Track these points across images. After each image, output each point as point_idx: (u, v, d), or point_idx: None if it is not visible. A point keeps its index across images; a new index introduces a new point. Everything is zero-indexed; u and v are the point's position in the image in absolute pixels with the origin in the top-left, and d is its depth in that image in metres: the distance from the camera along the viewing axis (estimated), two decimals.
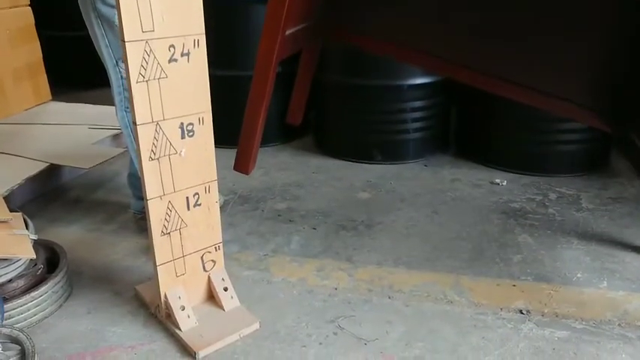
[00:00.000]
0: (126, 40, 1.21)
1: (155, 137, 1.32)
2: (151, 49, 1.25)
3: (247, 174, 1.63)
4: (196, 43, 1.31)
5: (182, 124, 1.35)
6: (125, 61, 1.24)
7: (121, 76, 1.70)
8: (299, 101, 2.09)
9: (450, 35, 1.75)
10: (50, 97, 3.11)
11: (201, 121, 1.38)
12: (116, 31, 1.61)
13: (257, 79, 1.54)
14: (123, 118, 1.76)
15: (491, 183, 2.35)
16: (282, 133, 2.83)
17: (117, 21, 1.58)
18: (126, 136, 1.80)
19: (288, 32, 1.58)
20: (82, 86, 3.62)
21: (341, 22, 1.91)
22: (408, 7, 1.79)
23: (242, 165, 1.62)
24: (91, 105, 3.00)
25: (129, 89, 1.26)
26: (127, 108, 1.74)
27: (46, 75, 3.07)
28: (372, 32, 1.87)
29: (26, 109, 2.95)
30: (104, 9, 1.59)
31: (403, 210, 2.14)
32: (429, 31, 1.78)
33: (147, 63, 1.25)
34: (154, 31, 1.24)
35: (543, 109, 1.85)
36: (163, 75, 1.29)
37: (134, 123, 1.29)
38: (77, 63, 3.61)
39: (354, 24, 1.89)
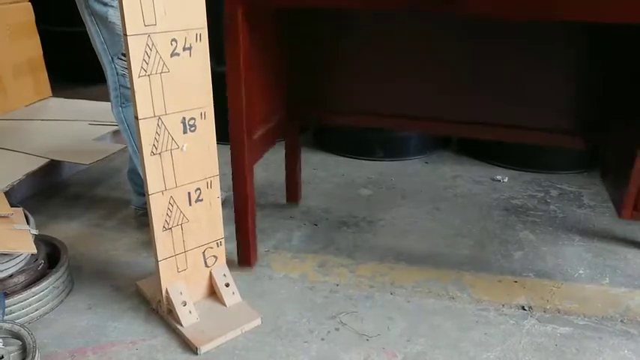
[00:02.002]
0: (128, 34, 1.20)
1: (157, 132, 1.31)
2: (153, 43, 1.24)
3: (251, 266, 1.73)
4: (198, 37, 1.31)
5: (184, 118, 1.35)
6: (127, 55, 1.23)
7: (117, 73, 1.69)
8: (293, 182, 2.15)
9: (426, 95, 1.79)
10: (50, 93, 3.10)
11: (203, 115, 1.38)
12: (110, 27, 1.60)
13: (236, 184, 1.62)
14: (119, 114, 1.76)
15: (493, 180, 2.35)
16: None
17: (110, 17, 1.59)
18: (123, 131, 1.80)
19: (255, 136, 1.63)
20: (82, 82, 3.61)
21: (313, 107, 1.95)
22: (376, 79, 1.83)
23: (245, 261, 1.73)
24: (92, 101, 2.99)
25: (130, 83, 1.25)
26: (123, 104, 1.74)
27: (46, 71, 3.06)
28: (343, 109, 1.91)
29: (26, 105, 2.94)
30: (96, 6, 1.58)
31: (404, 206, 2.13)
32: (407, 96, 1.81)
33: (149, 57, 1.25)
34: (155, 25, 1.23)
35: (533, 142, 1.85)
36: (165, 69, 1.28)
37: (136, 117, 1.29)
38: (77, 59, 3.59)
39: (325, 106, 1.93)
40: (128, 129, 1.77)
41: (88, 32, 1.66)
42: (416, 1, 1.30)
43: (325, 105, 1.92)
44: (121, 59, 1.67)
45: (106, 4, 1.57)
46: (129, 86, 1.68)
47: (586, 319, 1.49)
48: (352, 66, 1.83)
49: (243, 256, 1.73)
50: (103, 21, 1.60)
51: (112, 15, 1.59)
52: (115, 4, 1.57)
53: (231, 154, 1.59)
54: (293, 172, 2.12)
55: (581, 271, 1.70)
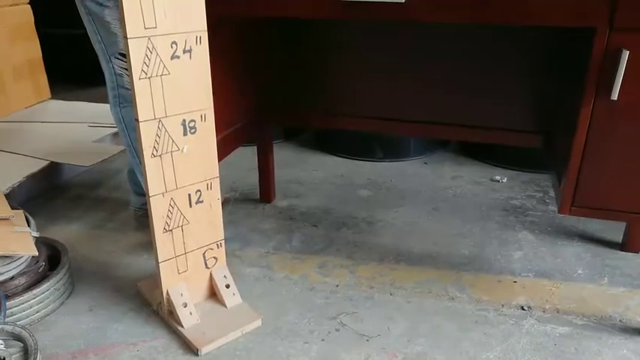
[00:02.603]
0: (128, 36, 1.21)
1: (157, 134, 1.32)
2: (153, 46, 1.24)
3: None
4: (198, 40, 1.31)
5: (184, 120, 1.35)
6: (127, 57, 1.23)
7: (114, 72, 1.69)
8: (267, 182, 2.16)
9: (398, 96, 1.83)
10: (50, 96, 3.11)
11: (203, 117, 1.38)
12: (107, 27, 1.61)
13: None
14: (117, 114, 1.76)
15: (492, 180, 2.36)
16: (281, 131, 2.84)
17: (106, 17, 1.59)
18: (120, 131, 1.80)
19: (220, 136, 1.63)
20: (82, 85, 3.62)
21: (284, 110, 1.98)
22: (347, 82, 1.87)
23: None
24: (91, 103, 3.00)
25: (131, 86, 1.26)
26: (122, 104, 1.74)
27: (45, 73, 3.07)
28: (316, 111, 1.94)
29: (26, 107, 2.94)
30: (92, 6, 1.58)
31: (404, 207, 2.14)
32: (379, 97, 1.86)
33: (149, 60, 1.25)
34: (156, 27, 1.24)
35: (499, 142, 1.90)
36: (166, 72, 1.29)
37: (136, 120, 1.29)
38: (77, 61, 3.61)
39: (296, 108, 1.96)
40: (125, 129, 1.77)
41: (88, 32, 1.67)
42: (349, 10, 1.32)
43: (299, 106, 1.95)
44: (118, 59, 1.67)
45: (101, 4, 1.58)
46: (127, 86, 1.69)
47: (585, 318, 1.49)
48: (327, 68, 1.87)
49: None
50: (100, 20, 1.61)
51: (108, 15, 1.59)
52: (110, 4, 1.57)
53: None
54: (266, 171, 2.13)
55: (580, 271, 1.70)
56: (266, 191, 2.16)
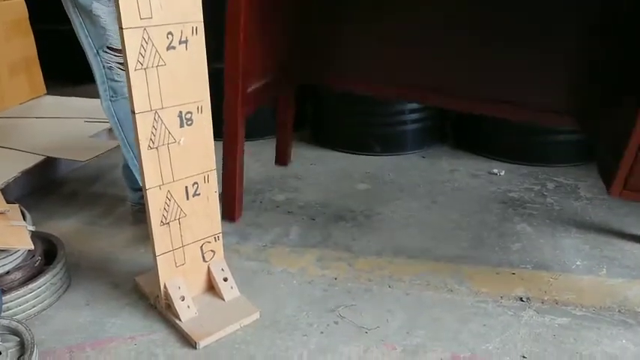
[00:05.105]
0: (124, 27, 1.20)
1: (154, 126, 1.31)
2: (149, 37, 1.23)
3: (235, 221, 1.79)
4: (194, 31, 1.30)
5: (181, 112, 1.34)
6: (123, 48, 1.22)
7: (103, 66, 1.67)
8: (284, 145, 2.18)
9: (425, 64, 1.82)
10: (45, 91, 3.09)
11: (199, 109, 1.37)
12: (94, 20, 1.59)
13: (227, 134, 1.67)
14: (109, 108, 1.73)
15: (490, 173, 2.35)
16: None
17: (94, 10, 1.57)
18: (113, 125, 1.77)
19: (250, 89, 1.66)
20: (77, 80, 3.59)
21: (310, 70, 1.98)
22: (378, 45, 1.87)
23: (229, 213, 1.79)
24: (87, 99, 2.97)
25: (127, 77, 1.25)
26: (112, 97, 1.71)
27: (40, 69, 3.05)
28: (341, 74, 1.96)
29: (21, 103, 2.92)
30: None
31: (402, 200, 2.13)
32: (405, 63, 1.85)
33: (145, 50, 1.24)
34: (152, 18, 1.23)
35: (531, 121, 1.88)
36: (162, 63, 1.27)
37: (132, 112, 1.28)
38: (71, 57, 3.58)
39: (324, 70, 1.97)
40: (118, 123, 1.74)
41: (73, 26, 1.65)
42: None
43: (328, 67, 1.95)
44: (106, 52, 1.65)
45: None
46: (117, 79, 1.67)
47: (584, 309, 1.49)
48: (359, 33, 1.86)
49: (229, 210, 1.70)
50: (87, 14, 1.59)
51: (97, 8, 1.57)
52: None
53: (225, 104, 1.60)
54: (284, 136, 2.10)
55: (578, 263, 1.70)
56: (283, 153, 2.15)
